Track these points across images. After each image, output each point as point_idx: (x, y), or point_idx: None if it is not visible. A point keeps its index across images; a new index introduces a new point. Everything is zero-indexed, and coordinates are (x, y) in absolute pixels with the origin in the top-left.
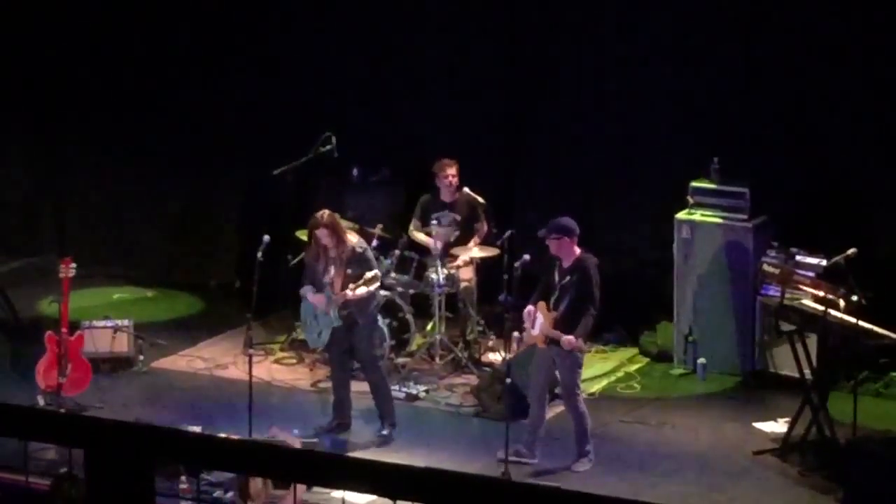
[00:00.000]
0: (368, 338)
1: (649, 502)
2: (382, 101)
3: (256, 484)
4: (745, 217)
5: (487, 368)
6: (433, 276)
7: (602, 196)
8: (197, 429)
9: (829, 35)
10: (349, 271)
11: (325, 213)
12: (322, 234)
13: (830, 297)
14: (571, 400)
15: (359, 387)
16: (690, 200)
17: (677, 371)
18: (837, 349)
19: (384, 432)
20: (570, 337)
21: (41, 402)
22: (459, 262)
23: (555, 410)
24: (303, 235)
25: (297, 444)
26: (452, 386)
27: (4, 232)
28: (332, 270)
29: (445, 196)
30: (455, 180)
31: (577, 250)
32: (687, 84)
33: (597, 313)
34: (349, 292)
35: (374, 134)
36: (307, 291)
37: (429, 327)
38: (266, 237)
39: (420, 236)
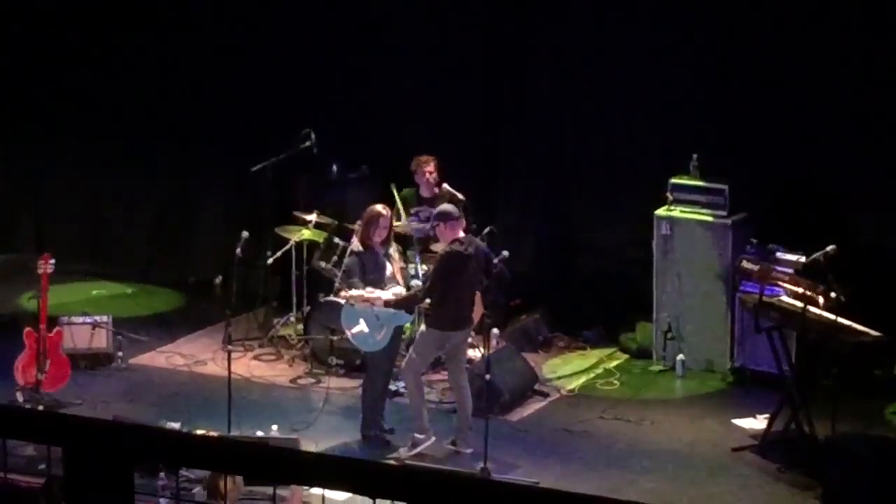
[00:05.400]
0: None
1: (628, 500)
2: (362, 97)
3: (228, 483)
4: (724, 214)
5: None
6: (412, 272)
7: (581, 193)
8: (176, 425)
9: (806, 32)
10: (403, 265)
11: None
12: (389, 223)
13: (809, 294)
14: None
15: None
16: (670, 197)
17: (656, 368)
18: (816, 346)
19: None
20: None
21: (20, 398)
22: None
23: (531, 408)
24: (283, 233)
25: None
26: (431, 382)
27: None
28: (390, 266)
29: (425, 192)
30: (433, 176)
31: (456, 236)
32: (666, 80)
33: (425, 297)
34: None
35: (353, 131)
36: (359, 287)
37: (407, 324)
38: (244, 233)
39: (397, 224)
